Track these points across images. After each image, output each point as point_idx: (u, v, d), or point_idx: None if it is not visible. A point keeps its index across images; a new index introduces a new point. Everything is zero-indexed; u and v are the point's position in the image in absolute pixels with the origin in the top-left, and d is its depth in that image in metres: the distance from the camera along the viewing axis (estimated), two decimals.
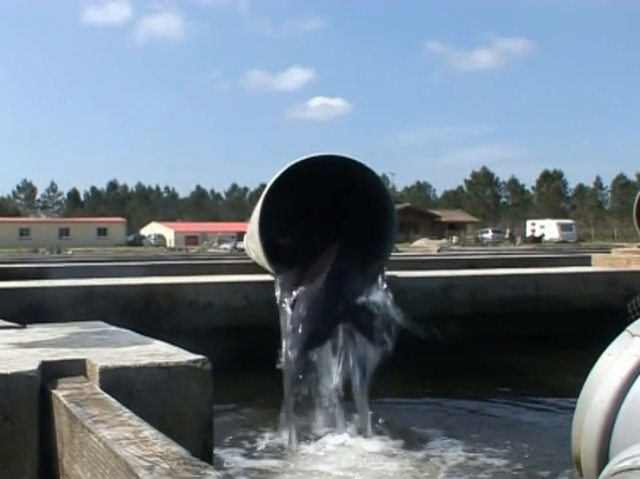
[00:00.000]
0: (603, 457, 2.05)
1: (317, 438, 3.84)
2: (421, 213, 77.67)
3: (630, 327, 2.21)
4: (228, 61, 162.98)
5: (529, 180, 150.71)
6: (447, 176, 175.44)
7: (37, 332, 2.72)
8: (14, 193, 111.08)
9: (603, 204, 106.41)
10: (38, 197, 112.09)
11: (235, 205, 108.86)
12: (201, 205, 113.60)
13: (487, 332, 5.71)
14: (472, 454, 3.57)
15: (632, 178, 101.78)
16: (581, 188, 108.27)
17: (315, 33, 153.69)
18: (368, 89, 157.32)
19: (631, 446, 1.90)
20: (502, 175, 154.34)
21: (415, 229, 62.19)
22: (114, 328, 2.84)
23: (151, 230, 76.84)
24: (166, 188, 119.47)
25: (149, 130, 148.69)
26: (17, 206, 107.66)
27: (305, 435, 3.87)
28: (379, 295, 4.26)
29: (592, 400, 2.10)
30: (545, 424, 4.20)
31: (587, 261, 8.24)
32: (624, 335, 2.20)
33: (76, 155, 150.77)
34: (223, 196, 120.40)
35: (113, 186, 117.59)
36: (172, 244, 58.36)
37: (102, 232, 72.28)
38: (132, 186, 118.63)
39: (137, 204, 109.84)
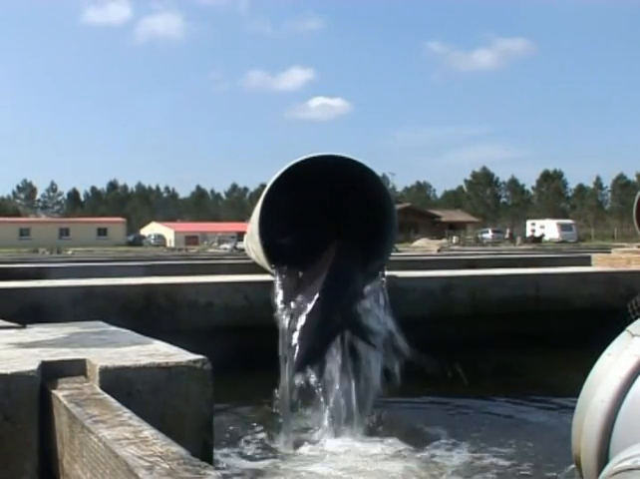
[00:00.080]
0: (603, 457, 2.05)
1: (317, 439, 3.84)
2: (421, 213, 77.66)
3: (630, 327, 2.21)
4: (228, 61, 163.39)
5: (529, 180, 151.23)
6: (447, 176, 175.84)
7: (37, 332, 2.72)
8: (14, 193, 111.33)
9: (603, 204, 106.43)
10: (38, 197, 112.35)
11: (235, 205, 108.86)
12: (201, 205, 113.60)
13: (487, 332, 5.70)
14: (477, 454, 3.58)
15: (632, 178, 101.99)
16: (581, 188, 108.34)
17: (315, 33, 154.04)
18: (368, 89, 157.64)
19: (631, 446, 1.90)
20: (502, 175, 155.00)
21: (415, 229, 62.18)
22: (114, 328, 2.84)
23: (151, 230, 76.85)
24: (166, 188, 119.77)
25: (149, 130, 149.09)
26: (17, 206, 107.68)
27: (305, 436, 3.87)
28: (380, 314, 4.26)
29: (592, 400, 2.10)
30: (546, 423, 4.20)
31: (587, 261, 8.23)
32: (624, 335, 2.20)
33: (76, 155, 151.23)
34: (223, 196, 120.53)
35: (113, 186, 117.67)
36: (172, 245, 58.33)
37: (102, 232, 72.29)
38: (132, 186, 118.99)
39: (137, 204, 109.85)
